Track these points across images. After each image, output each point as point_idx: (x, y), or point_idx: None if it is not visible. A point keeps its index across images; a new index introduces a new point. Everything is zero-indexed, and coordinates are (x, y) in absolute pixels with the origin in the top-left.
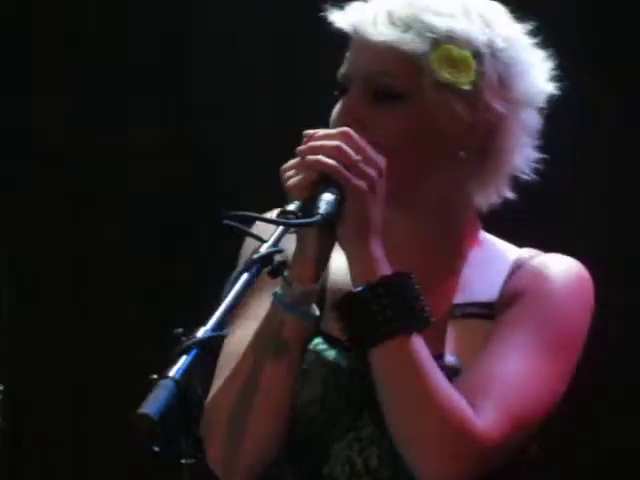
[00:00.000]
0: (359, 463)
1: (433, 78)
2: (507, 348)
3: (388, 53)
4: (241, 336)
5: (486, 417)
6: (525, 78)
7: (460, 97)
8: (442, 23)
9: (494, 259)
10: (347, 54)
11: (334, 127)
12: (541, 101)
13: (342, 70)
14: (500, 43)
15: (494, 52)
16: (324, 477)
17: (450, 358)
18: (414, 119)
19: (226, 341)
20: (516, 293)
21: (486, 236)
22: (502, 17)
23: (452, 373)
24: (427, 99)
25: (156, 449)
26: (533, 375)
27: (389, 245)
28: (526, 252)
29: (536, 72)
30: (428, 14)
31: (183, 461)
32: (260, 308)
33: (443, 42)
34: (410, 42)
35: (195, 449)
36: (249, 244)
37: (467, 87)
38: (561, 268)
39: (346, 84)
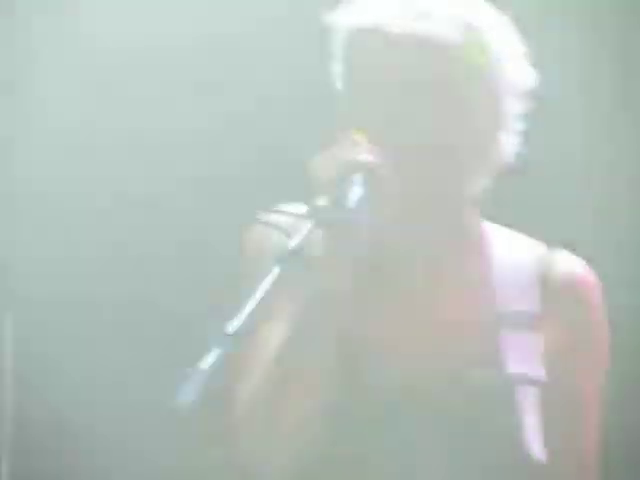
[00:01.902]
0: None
1: (463, 65)
2: (586, 422)
3: (413, 45)
4: (269, 333)
5: None
6: (516, 66)
7: (485, 81)
8: (463, 13)
9: (516, 258)
10: (355, 53)
11: (368, 127)
12: (525, 89)
13: (361, 66)
14: (502, 31)
15: (500, 39)
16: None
17: (511, 367)
18: (448, 108)
19: (254, 338)
20: (557, 311)
21: (491, 227)
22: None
23: (517, 381)
24: (457, 87)
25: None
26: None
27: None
28: (540, 249)
29: (522, 62)
30: (446, 6)
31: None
32: (287, 306)
33: (468, 30)
34: (435, 32)
35: (223, 437)
36: (252, 245)
37: (490, 71)
38: (591, 286)
39: (365, 80)
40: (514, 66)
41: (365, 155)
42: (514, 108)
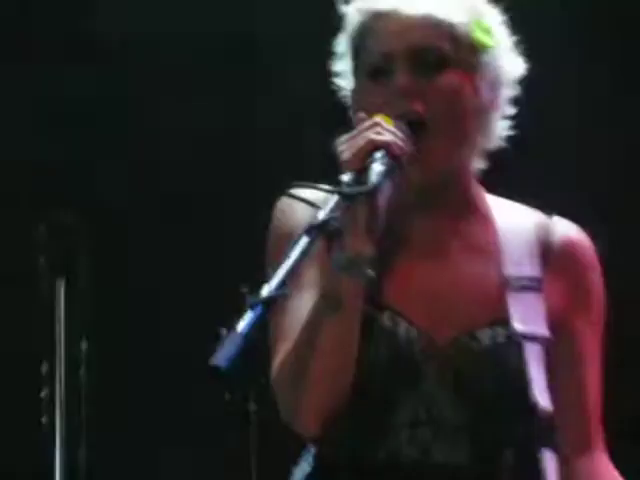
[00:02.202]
0: (422, 412)
1: (469, 43)
2: (588, 377)
3: (430, 26)
4: (299, 301)
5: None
6: (510, 54)
7: (489, 60)
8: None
9: (517, 225)
10: (370, 38)
11: (393, 105)
12: (516, 77)
13: (380, 50)
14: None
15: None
16: (388, 425)
17: (518, 326)
18: (459, 84)
19: (286, 305)
20: (557, 273)
21: (493, 199)
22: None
23: (522, 338)
24: (467, 63)
25: (228, 396)
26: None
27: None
28: (538, 216)
29: (514, 51)
30: None
31: (250, 407)
32: (315, 275)
33: (472, 12)
34: (448, 13)
35: (261, 397)
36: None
37: (494, 50)
38: (587, 249)
39: (385, 64)
40: (508, 53)
41: (385, 134)
42: (507, 92)
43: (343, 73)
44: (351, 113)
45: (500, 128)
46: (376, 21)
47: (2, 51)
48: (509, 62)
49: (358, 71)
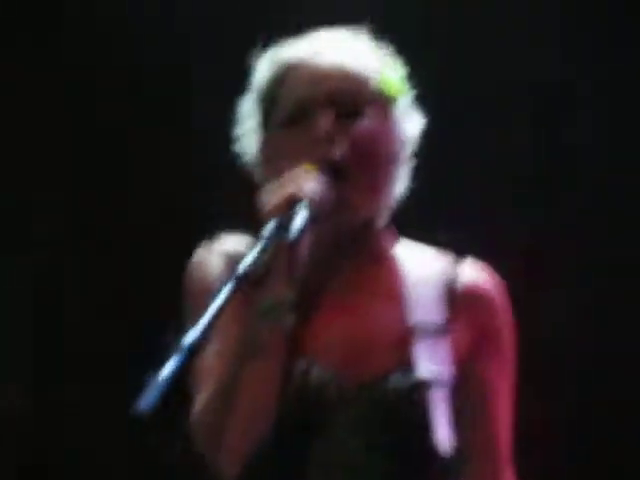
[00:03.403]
0: (335, 457)
1: (381, 93)
2: (496, 412)
3: (345, 76)
4: (220, 346)
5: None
6: (411, 110)
7: (398, 111)
8: (379, 51)
9: (425, 272)
10: (283, 88)
11: (314, 150)
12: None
13: (296, 98)
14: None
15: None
16: (302, 470)
17: (423, 371)
18: (376, 130)
19: (206, 351)
20: (463, 318)
21: (403, 244)
22: None
23: (427, 383)
24: (380, 112)
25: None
26: (509, 413)
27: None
28: (446, 261)
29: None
30: (362, 45)
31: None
32: (236, 321)
33: (384, 64)
34: (360, 64)
35: (182, 440)
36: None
37: (401, 101)
38: (496, 292)
39: (301, 112)
40: (411, 107)
41: (308, 184)
42: (410, 145)
43: (247, 134)
44: (258, 174)
45: (404, 180)
46: (290, 71)
47: None
48: (412, 116)
49: (269, 124)
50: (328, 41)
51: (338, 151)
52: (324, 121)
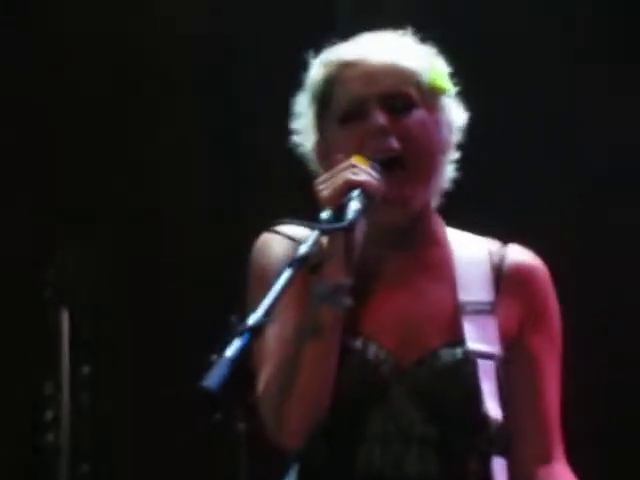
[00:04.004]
0: (392, 428)
1: (430, 88)
2: (547, 390)
3: (396, 73)
4: (281, 327)
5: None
6: (457, 103)
7: (445, 103)
8: (424, 48)
9: (473, 255)
10: (338, 86)
11: (370, 144)
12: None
13: (351, 96)
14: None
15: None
16: (361, 440)
17: (472, 345)
18: (426, 123)
19: (268, 332)
20: (510, 297)
21: (450, 230)
22: None
23: (476, 356)
24: (430, 105)
25: (217, 415)
26: (558, 390)
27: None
28: (493, 245)
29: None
30: (409, 44)
31: (239, 427)
32: (295, 304)
33: (429, 60)
34: (410, 61)
35: (248, 415)
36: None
37: (449, 95)
38: (538, 272)
39: (356, 109)
40: (456, 101)
41: (361, 174)
42: (456, 136)
43: (303, 130)
44: (314, 164)
45: (450, 170)
46: (344, 70)
47: None
48: (457, 108)
49: (326, 121)
50: (377, 42)
51: (393, 144)
52: (378, 116)
